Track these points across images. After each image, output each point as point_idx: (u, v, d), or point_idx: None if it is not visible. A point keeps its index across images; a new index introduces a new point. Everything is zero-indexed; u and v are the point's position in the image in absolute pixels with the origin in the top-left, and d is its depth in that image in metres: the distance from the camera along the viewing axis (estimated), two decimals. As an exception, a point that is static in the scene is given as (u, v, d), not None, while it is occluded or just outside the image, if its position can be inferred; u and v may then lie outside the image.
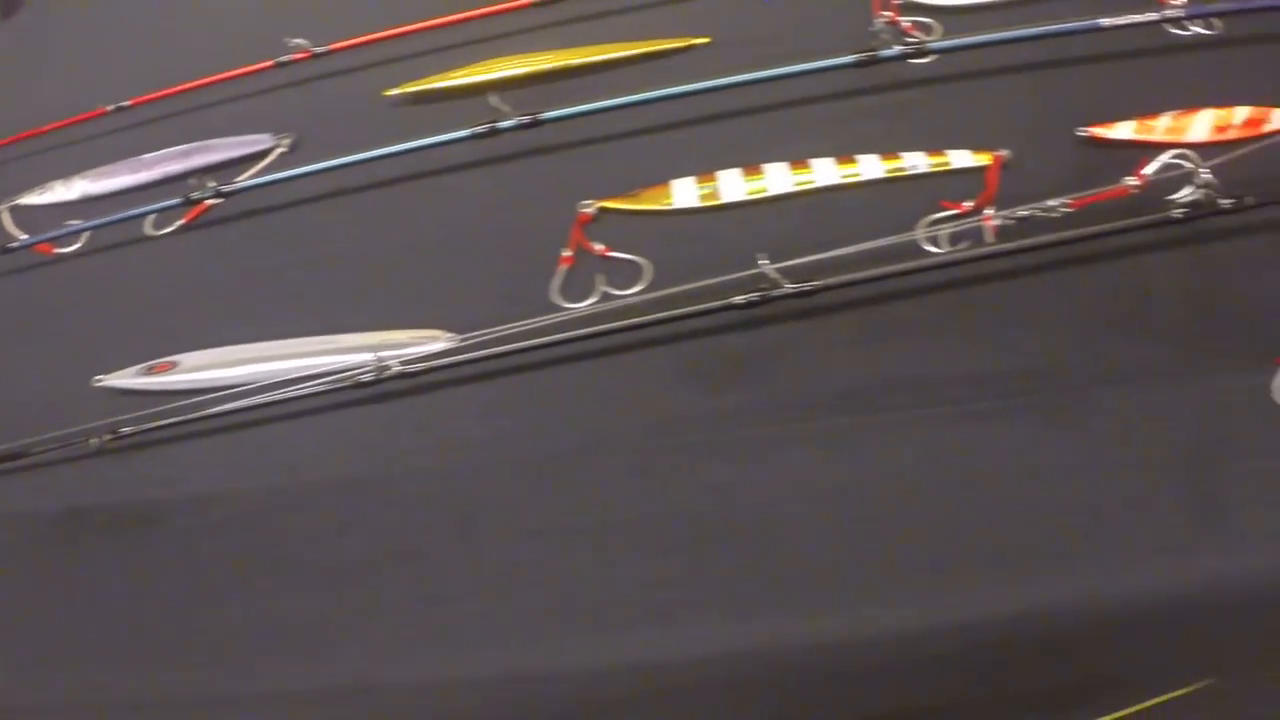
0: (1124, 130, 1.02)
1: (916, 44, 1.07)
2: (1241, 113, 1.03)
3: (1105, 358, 0.91)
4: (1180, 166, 0.93)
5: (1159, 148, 0.98)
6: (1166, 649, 0.83)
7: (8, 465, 1.07)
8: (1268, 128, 1.02)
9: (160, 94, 1.34)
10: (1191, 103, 1.06)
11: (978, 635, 0.82)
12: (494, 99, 1.13)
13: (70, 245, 1.25)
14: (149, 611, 0.97)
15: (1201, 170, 0.92)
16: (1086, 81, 1.10)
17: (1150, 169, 0.93)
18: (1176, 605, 0.80)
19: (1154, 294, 0.95)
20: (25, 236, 1.28)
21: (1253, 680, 0.83)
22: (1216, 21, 1.09)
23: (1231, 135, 1.03)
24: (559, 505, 0.94)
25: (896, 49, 1.07)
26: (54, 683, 0.96)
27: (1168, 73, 1.10)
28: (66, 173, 1.33)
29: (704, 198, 1.06)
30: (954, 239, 0.94)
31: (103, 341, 1.15)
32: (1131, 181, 0.93)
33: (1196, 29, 1.10)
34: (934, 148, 1.05)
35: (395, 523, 0.98)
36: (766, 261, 0.93)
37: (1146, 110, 1.05)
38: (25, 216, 1.31)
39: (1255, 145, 0.97)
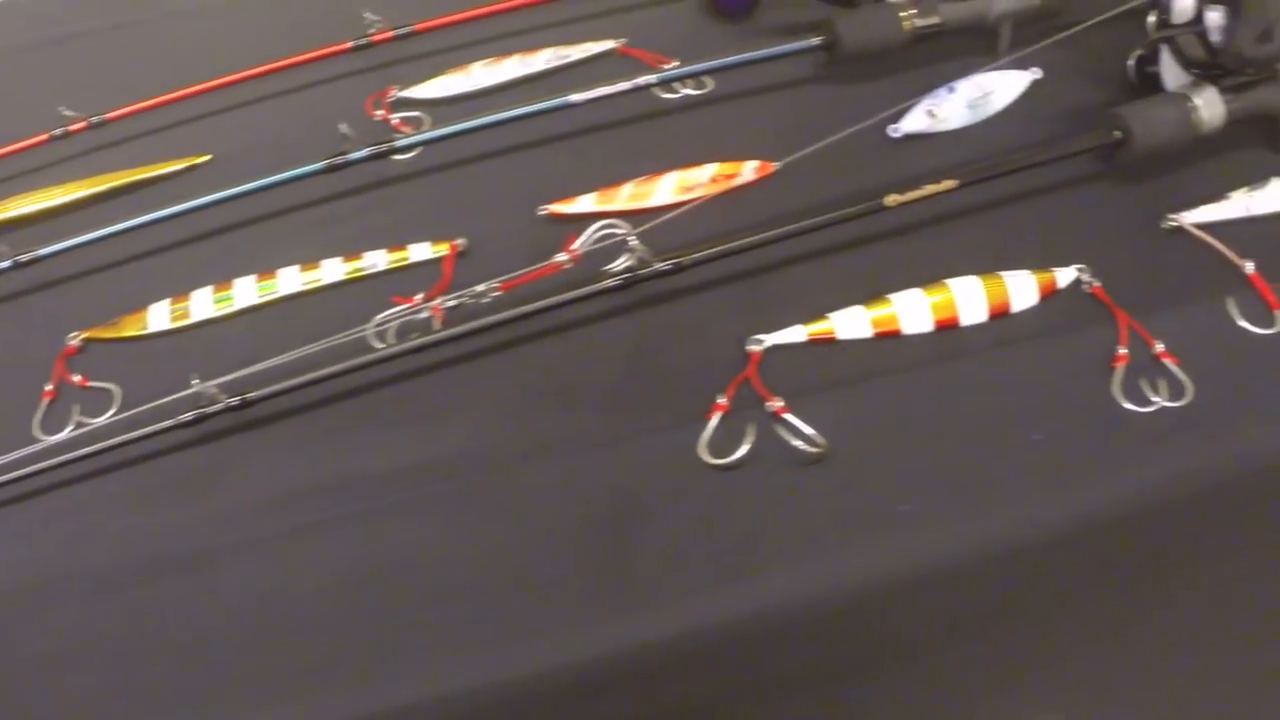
0: (586, 203, 1.01)
1: (386, 143, 1.06)
2: (709, 170, 1.03)
3: (541, 432, 0.90)
4: (614, 235, 0.90)
5: (626, 216, 0.96)
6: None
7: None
8: (738, 181, 1.02)
9: None
10: (682, 162, 1.08)
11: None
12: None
13: None
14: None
15: (630, 238, 0.89)
16: (565, 158, 1.12)
17: (580, 242, 0.90)
18: (595, 673, 0.79)
19: (594, 364, 0.95)
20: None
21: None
22: (708, 80, 1.10)
23: (698, 193, 1.04)
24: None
25: (366, 150, 1.05)
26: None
27: (653, 137, 1.13)
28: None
29: (175, 318, 1.04)
30: (401, 333, 0.90)
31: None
32: (562, 257, 0.90)
33: (687, 90, 1.10)
34: (398, 243, 1.01)
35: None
36: (198, 381, 0.90)
37: (623, 178, 1.07)
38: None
39: (683, 207, 0.99)
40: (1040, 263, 0.99)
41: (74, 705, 0.81)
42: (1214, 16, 0.99)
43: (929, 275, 0.96)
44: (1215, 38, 0.99)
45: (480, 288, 0.91)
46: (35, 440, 0.95)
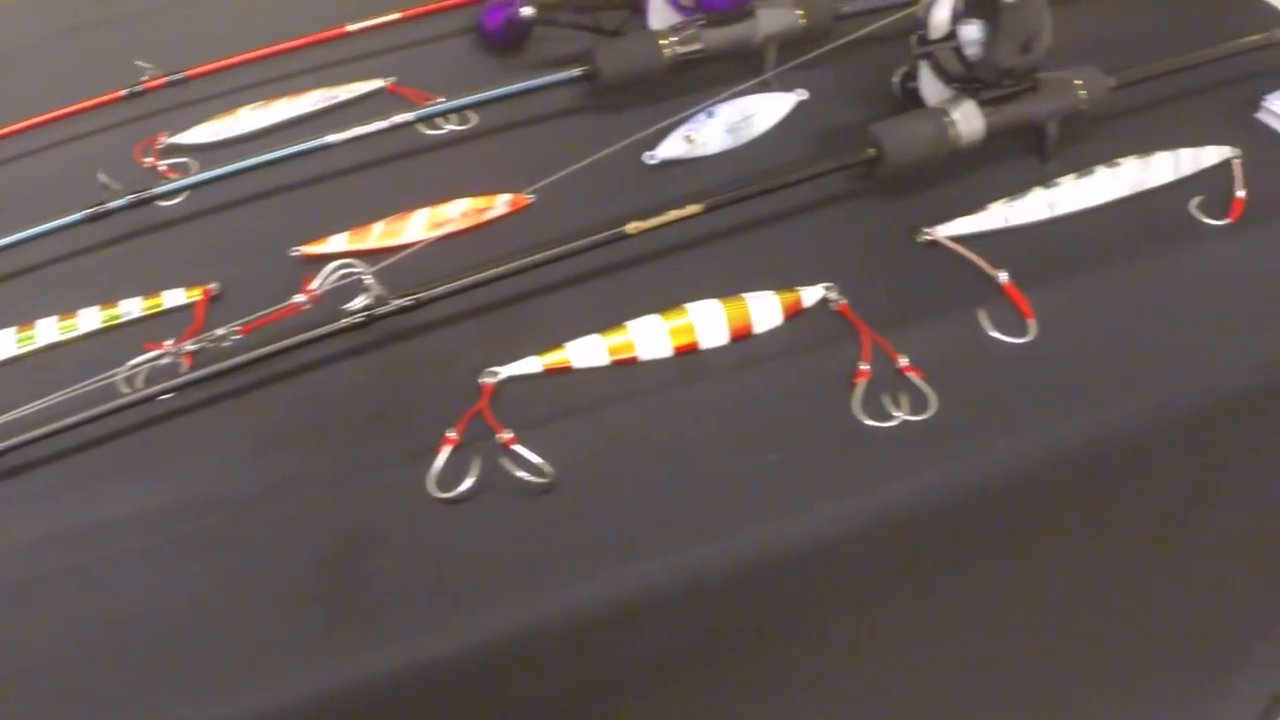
0: (338, 243, 1.02)
1: (148, 190, 1.05)
2: (460, 205, 1.03)
3: (278, 473, 0.90)
4: (352, 274, 0.91)
5: (378, 255, 0.98)
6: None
7: None
8: (491, 214, 1.03)
9: None
10: (443, 198, 1.10)
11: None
12: None
13: None
14: None
15: (366, 276, 0.90)
16: (326, 198, 1.13)
17: (317, 283, 0.90)
18: (324, 709, 0.79)
19: (333, 403, 0.95)
20: None
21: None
22: (471, 115, 1.12)
23: (449, 229, 1.06)
24: None
25: (127, 199, 1.05)
26: None
27: (417, 173, 1.15)
28: None
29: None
30: (151, 379, 0.90)
31: None
32: (300, 298, 0.90)
33: (451, 126, 1.12)
34: (160, 289, 1.00)
35: None
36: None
37: (379, 215, 1.08)
38: None
39: (418, 245, 1.01)
40: (793, 282, 1.00)
41: None
42: (968, 31, 1.01)
43: (677, 300, 0.98)
44: (970, 51, 1.01)
45: (220, 331, 0.92)
46: None
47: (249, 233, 1.10)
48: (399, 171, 1.13)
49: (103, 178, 1.07)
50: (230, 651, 0.80)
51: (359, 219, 1.07)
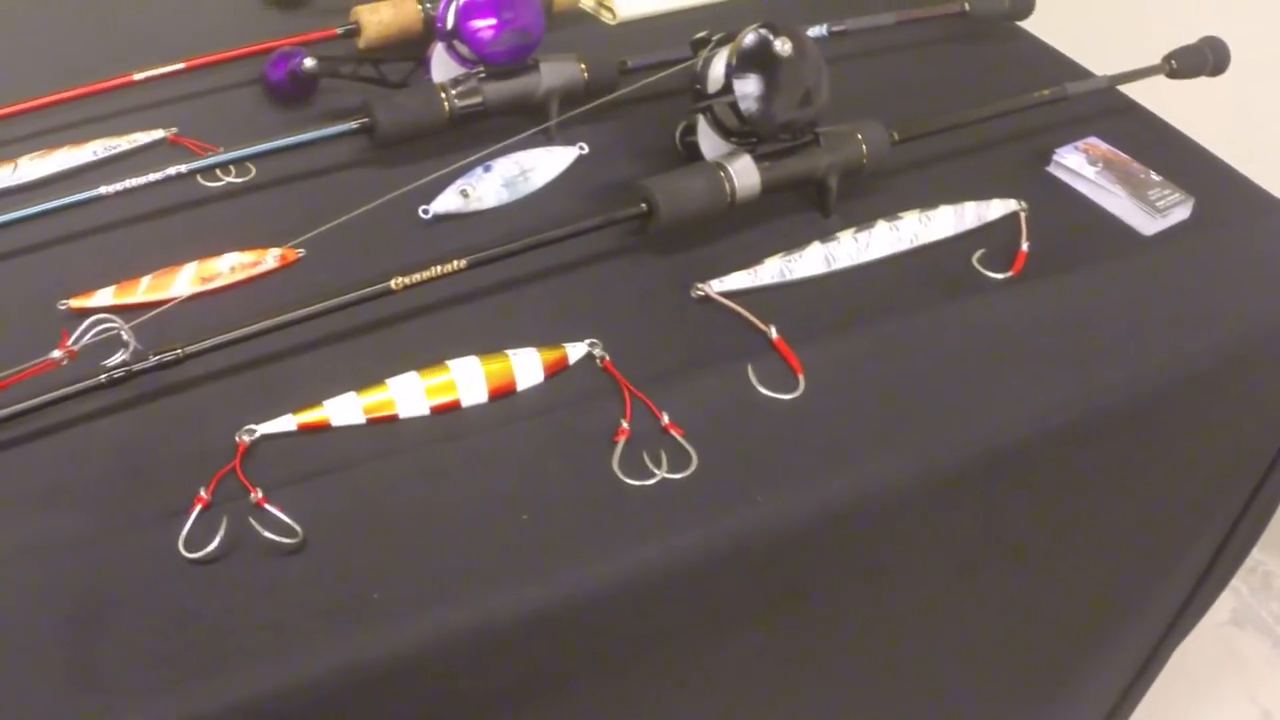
0: (104, 297, 1.01)
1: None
2: (229, 259, 1.03)
3: (23, 535, 0.89)
4: (110, 329, 0.90)
5: (144, 309, 0.97)
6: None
7: None
8: (260, 269, 1.03)
9: None
10: (215, 250, 1.09)
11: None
12: None
13: None
14: None
15: (123, 331, 0.89)
16: (98, 251, 1.12)
17: (74, 338, 0.90)
18: None
19: (85, 462, 0.94)
20: None
21: None
22: (250, 165, 1.14)
23: (219, 284, 1.07)
24: None
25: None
26: None
27: (193, 226, 1.15)
28: None
29: None
30: None
31: None
32: (57, 354, 0.89)
33: (229, 178, 1.13)
34: None
35: None
36: None
37: (150, 268, 1.07)
38: None
39: (171, 303, 1.01)
40: (561, 339, 1.02)
41: None
42: (744, 85, 1.03)
43: (441, 357, 0.99)
44: (746, 106, 1.03)
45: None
46: None
47: (16, 286, 1.08)
48: (175, 224, 1.13)
49: None
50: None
51: (130, 272, 1.06)
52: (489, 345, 1.00)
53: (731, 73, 1.07)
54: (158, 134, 1.21)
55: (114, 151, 1.19)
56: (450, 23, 1.17)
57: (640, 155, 1.22)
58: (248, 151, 1.12)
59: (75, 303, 1.03)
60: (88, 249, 1.10)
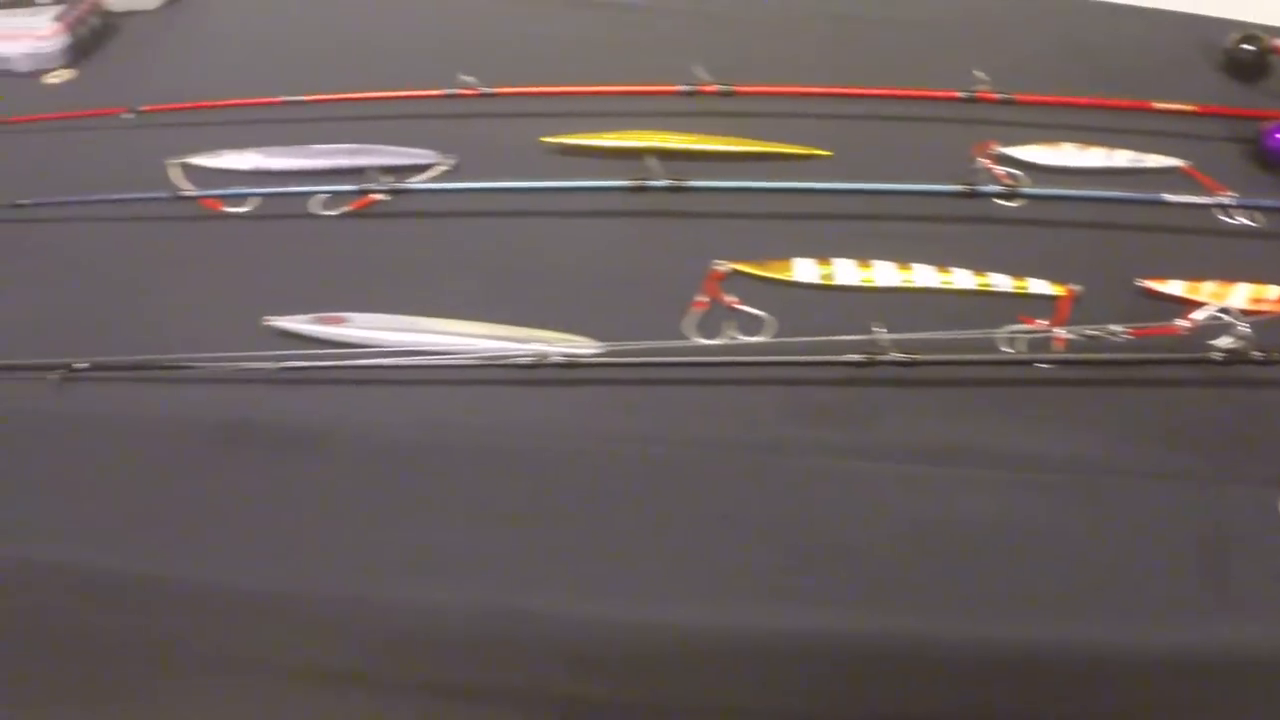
0: (1175, 287, 1.25)
1: (1010, 187, 1.30)
2: (1275, 290, 1.26)
3: (1142, 458, 1.09)
4: (1222, 320, 1.14)
5: (1203, 306, 1.17)
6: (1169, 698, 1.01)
7: (186, 369, 1.18)
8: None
9: (335, 97, 1.53)
10: (1231, 277, 1.27)
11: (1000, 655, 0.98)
12: (651, 161, 1.34)
13: (239, 206, 1.41)
14: (301, 516, 1.07)
15: (1240, 325, 1.13)
16: (1143, 242, 1.33)
17: (1199, 314, 1.14)
18: (1183, 658, 0.97)
19: (1190, 418, 1.13)
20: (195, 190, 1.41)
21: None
22: (1260, 216, 1.32)
23: (1265, 307, 1.24)
24: (681, 493, 1.08)
25: (993, 187, 1.30)
26: (199, 558, 1.05)
27: (1212, 250, 1.34)
28: (237, 146, 1.50)
29: (823, 277, 1.26)
30: (1031, 346, 1.14)
31: (268, 292, 1.29)
32: (1182, 323, 1.13)
33: (1241, 219, 1.33)
34: (1016, 274, 1.25)
35: (540, 482, 1.10)
36: (883, 330, 1.12)
37: (1189, 276, 1.27)
38: (194, 176, 1.47)
39: None
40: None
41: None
42: None
43: None
44: None
45: (1116, 327, 1.14)
46: (683, 337, 1.18)
47: (1091, 253, 1.32)
48: (1188, 242, 1.37)
49: (983, 162, 1.35)
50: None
51: (1179, 272, 1.29)
52: None
53: None
54: (1173, 161, 1.43)
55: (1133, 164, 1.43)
56: None
57: None
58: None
59: (1150, 284, 1.27)
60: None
